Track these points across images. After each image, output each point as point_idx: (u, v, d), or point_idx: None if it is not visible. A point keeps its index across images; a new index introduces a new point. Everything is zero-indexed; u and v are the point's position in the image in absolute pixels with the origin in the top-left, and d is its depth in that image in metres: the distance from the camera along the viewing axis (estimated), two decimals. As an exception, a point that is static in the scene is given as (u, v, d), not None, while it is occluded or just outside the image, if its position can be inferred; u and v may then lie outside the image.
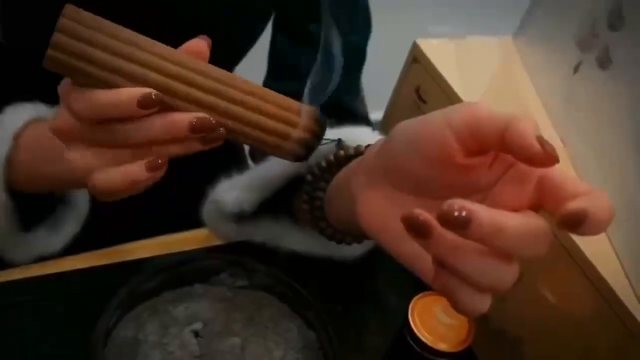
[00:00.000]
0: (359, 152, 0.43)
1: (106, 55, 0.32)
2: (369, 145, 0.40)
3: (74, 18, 0.32)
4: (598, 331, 0.41)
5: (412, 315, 0.45)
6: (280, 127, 0.37)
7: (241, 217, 0.49)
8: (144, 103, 0.32)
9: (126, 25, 0.34)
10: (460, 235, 0.25)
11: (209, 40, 0.36)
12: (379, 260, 0.55)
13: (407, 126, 0.32)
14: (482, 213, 0.24)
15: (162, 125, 0.33)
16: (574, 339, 0.43)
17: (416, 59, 0.57)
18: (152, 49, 0.34)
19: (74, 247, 0.50)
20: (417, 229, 0.26)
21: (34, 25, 0.45)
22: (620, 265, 0.42)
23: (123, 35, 0.33)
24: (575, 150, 0.49)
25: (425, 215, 0.26)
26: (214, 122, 0.34)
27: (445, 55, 0.56)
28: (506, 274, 0.27)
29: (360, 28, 0.62)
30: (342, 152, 0.43)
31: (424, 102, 0.57)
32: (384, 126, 0.64)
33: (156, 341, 0.42)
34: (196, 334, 0.43)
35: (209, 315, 0.45)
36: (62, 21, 0.32)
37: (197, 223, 0.54)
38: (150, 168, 0.34)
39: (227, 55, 0.63)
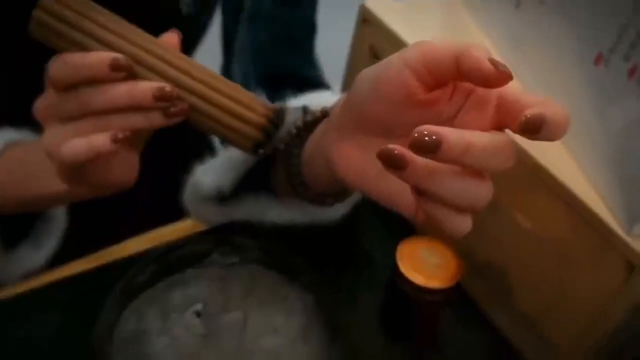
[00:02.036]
0: (324, 113, 0.44)
1: (88, 22, 0.35)
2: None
3: None
4: (575, 245, 0.44)
5: (400, 261, 0.47)
6: (242, 111, 0.39)
7: (221, 198, 0.50)
8: (115, 66, 0.34)
9: None
10: (433, 159, 0.26)
11: (180, 34, 0.38)
12: (361, 220, 0.57)
13: (367, 73, 0.34)
14: (450, 134, 0.26)
15: (127, 89, 0.35)
16: (554, 257, 0.46)
17: (365, 19, 0.58)
18: (129, 26, 0.37)
19: (59, 259, 0.51)
20: (393, 162, 0.27)
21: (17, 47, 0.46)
22: (591, 184, 0.44)
23: (104, 11, 0.37)
24: (525, 85, 0.52)
25: (399, 147, 0.27)
26: (176, 92, 0.36)
27: (392, 11, 0.57)
28: (481, 191, 0.28)
29: (307, 2, 0.63)
30: (309, 117, 0.45)
31: (380, 59, 0.58)
32: (344, 90, 0.66)
33: (160, 328, 0.43)
34: (198, 314, 0.44)
35: (206, 295, 0.46)
36: None
37: (180, 214, 0.55)
38: (114, 139, 0.35)
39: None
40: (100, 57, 0.34)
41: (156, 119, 0.36)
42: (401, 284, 0.47)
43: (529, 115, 0.26)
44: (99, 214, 0.54)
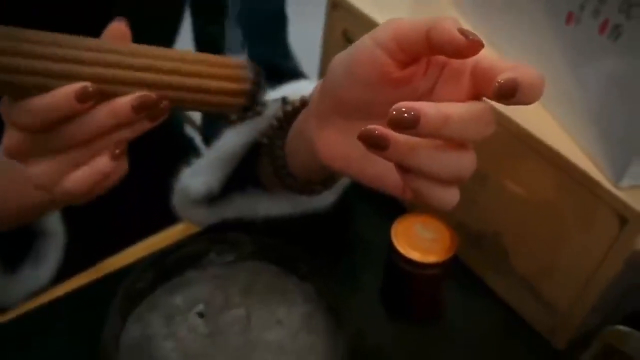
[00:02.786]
0: (304, 102, 0.44)
1: (31, 61, 0.32)
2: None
3: None
4: (565, 206, 0.44)
5: (396, 240, 0.47)
6: (220, 84, 0.37)
7: (211, 198, 0.50)
8: (82, 97, 0.32)
9: (40, 27, 0.34)
10: (413, 135, 0.26)
11: (125, 20, 0.36)
12: (352, 204, 0.57)
13: (340, 58, 0.34)
14: (428, 108, 0.26)
15: (106, 113, 0.34)
16: (546, 219, 0.46)
17: (335, 4, 0.58)
18: (75, 43, 0.34)
19: (59, 275, 0.51)
20: (375, 142, 0.27)
21: None
22: (575, 143, 0.45)
23: (42, 37, 0.33)
24: (500, 52, 0.52)
25: (379, 127, 0.27)
26: (154, 97, 0.34)
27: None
28: (464, 161, 0.29)
29: None
30: (289, 107, 0.45)
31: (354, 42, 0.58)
32: (321, 77, 0.66)
33: (165, 332, 0.43)
34: (201, 315, 0.45)
35: (207, 295, 0.46)
36: None
37: (173, 219, 0.55)
38: (114, 157, 0.35)
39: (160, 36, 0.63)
40: (64, 94, 0.32)
41: (143, 126, 0.35)
42: (399, 262, 0.47)
43: (502, 81, 0.26)
44: (94, 227, 0.54)
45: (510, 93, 0.26)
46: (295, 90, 0.47)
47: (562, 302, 0.47)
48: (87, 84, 0.33)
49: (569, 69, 0.44)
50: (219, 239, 0.48)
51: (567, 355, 0.49)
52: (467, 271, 0.55)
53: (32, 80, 0.33)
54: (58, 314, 0.50)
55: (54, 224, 0.49)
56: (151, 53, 0.35)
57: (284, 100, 0.45)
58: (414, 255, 0.46)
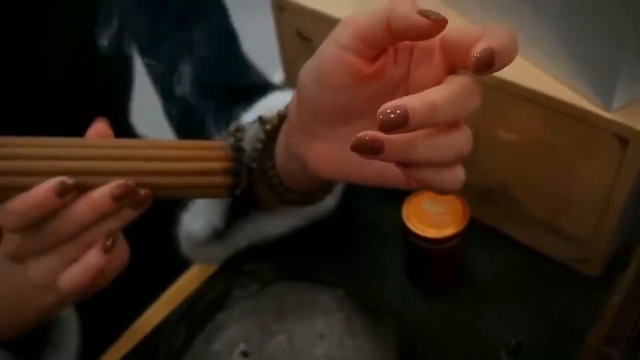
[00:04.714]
0: (282, 117, 0.43)
1: (7, 162, 0.32)
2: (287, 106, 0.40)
3: None
4: (564, 143, 0.44)
5: (409, 221, 0.47)
6: (203, 165, 0.37)
7: (217, 235, 0.50)
8: (61, 190, 0.32)
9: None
10: (406, 132, 0.26)
11: (106, 120, 0.36)
12: (358, 194, 0.57)
13: (307, 70, 0.33)
14: (413, 101, 0.25)
15: (86, 205, 0.33)
16: (548, 160, 0.46)
17: (281, 7, 0.57)
18: (52, 142, 0.34)
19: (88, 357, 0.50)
20: (369, 149, 0.27)
21: None
22: (558, 80, 0.44)
23: (17, 141, 0.33)
24: (461, 9, 0.51)
25: (369, 133, 0.27)
26: (132, 183, 0.34)
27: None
28: (461, 139, 0.28)
29: (213, 12, 0.61)
30: (268, 126, 0.44)
31: (309, 40, 0.57)
32: (288, 81, 0.65)
33: (214, 382, 0.43)
34: (244, 354, 0.44)
35: (244, 332, 0.45)
36: None
37: (185, 265, 0.54)
38: (105, 249, 0.34)
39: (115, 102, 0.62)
40: (44, 190, 0.32)
41: (129, 215, 0.35)
42: (417, 242, 0.47)
43: (478, 55, 0.25)
44: (106, 299, 0.53)
45: (489, 64, 0.25)
46: (269, 106, 0.46)
47: (585, 232, 0.47)
48: (65, 177, 0.32)
49: (526, 5, 0.43)
50: (238, 273, 0.48)
51: (605, 280, 0.49)
52: (484, 228, 0.54)
53: (9, 180, 0.32)
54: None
55: (66, 310, 0.48)
56: (129, 144, 0.35)
57: (261, 120, 0.45)
58: (430, 232, 0.46)
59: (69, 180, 0.32)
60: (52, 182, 0.32)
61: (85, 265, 0.34)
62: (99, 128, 0.36)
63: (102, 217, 0.34)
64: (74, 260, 0.34)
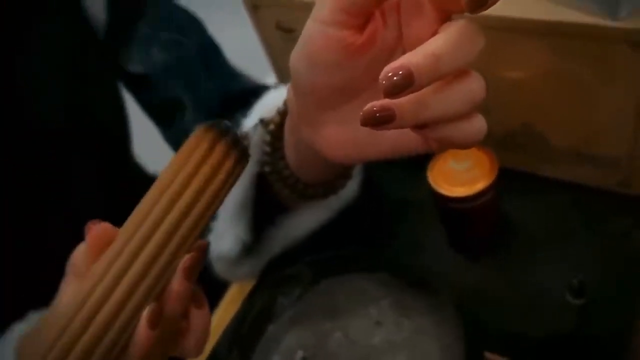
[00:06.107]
0: (283, 113, 0.42)
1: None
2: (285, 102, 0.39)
3: None
4: (578, 67, 0.42)
5: (437, 185, 0.45)
6: (212, 162, 0.34)
7: (248, 250, 0.48)
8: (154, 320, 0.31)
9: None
10: (414, 91, 0.24)
11: (103, 223, 0.33)
12: (380, 183, 0.55)
13: (297, 54, 0.31)
14: (413, 58, 0.24)
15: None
16: (565, 88, 0.44)
17: (256, 6, 0.55)
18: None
19: None
20: (379, 120, 0.25)
21: None
22: (554, 5, 0.42)
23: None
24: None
25: (376, 103, 0.25)
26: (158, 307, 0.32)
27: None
28: (472, 85, 0.26)
29: (189, 28, 0.60)
30: (272, 126, 0.42)
31: (292, 30, 0.56)
32: (280, 79, 0.64)
33: (281, 395, 0.42)
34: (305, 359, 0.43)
35: (299, 339, 0.44)
36: None
37: (222, 289, 0.53)
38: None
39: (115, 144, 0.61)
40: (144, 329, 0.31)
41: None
42: (450, 204, 0.45)
43: None
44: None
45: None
46: (266, 107, 0.45)
47: (620, 151, 0.45)
48: (151, 306, 0.31)
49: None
50: (279, 281, 0.46)
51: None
52: (517, 175, 0.52)
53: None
54: None
55: None
56: (151, 225, 0.32)
57: (263, 122, 0.43)
58: (462, 191, 0.44)
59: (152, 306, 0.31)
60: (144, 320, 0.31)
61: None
62: (99, 232, 0.32)
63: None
64: None
